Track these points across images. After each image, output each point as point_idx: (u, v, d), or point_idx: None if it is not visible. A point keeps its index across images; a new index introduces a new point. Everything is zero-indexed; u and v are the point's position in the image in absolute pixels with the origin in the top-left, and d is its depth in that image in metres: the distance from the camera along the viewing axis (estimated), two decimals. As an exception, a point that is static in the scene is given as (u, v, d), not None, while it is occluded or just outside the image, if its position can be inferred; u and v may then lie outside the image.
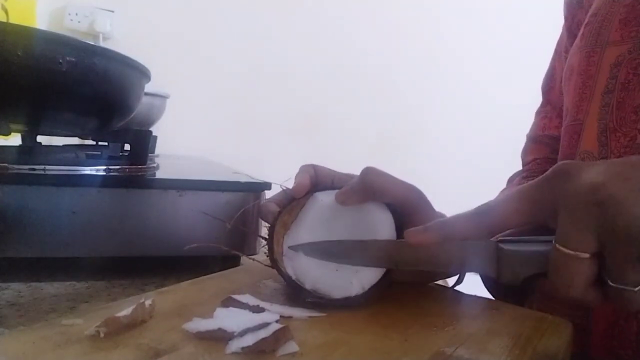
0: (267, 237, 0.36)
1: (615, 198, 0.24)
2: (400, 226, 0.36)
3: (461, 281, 0.39)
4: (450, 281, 0.40)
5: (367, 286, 0.34)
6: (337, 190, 0.37)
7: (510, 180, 0.61)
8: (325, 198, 0.37)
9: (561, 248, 0.26)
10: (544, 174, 0.28)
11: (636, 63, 0.39)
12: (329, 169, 0.41)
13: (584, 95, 0.44)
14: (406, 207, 0.36)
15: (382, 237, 0.36)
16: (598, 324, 0.40)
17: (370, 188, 0.35)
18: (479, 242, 0.31)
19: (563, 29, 0.56)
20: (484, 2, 1.90)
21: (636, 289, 0.24)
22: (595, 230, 0.24)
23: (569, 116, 0.46)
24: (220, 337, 0.26)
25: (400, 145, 1.82)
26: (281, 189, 0.39)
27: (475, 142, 1.85)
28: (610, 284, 0.25)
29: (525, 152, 0.61)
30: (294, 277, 0.35)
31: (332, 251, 0.35)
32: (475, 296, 0.38)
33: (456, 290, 0.39)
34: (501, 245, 0.31)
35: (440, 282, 0.42)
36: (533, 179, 0.56)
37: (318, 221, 0.37)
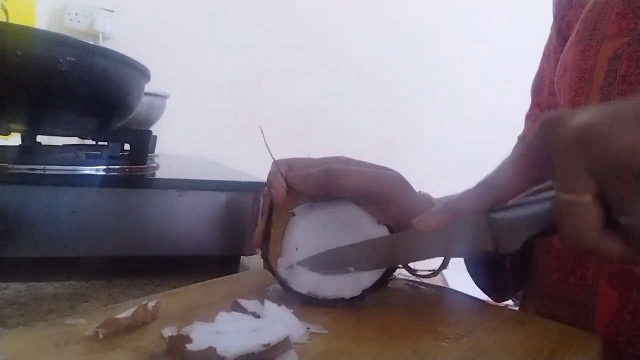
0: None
1: (602, 132, 0.23)
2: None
3: (446, 266, 0.38)
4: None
5: (364, 287, 0.34)
6: (317, 204, 0.36)
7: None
8: (307, 216, 0.36)
9: (562, 195, 0.25)
10: (534, 132, 0.28)
11: (637, 56, 0.38)
12: (305, 159, 0.39)
13: (581, 90, 0.43)
14: (374, 197, 0.35)
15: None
16: (601, 320, 0.39)
17: (329, 182, 0.34)
18: (471, 218, 0.30)
19: (552, 30, 0.55)
20: (484, 4, 1.90)
21: None
22: (590, 169, 0.24)
23: None
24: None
25: (400, 145, 1.82)
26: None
27: (475, 143, 1.84)
28: (621, 221, 0.24)
29: None
30: (290, 283, 0.34)
31: (330, 263, 0.34)
32: (496, 306, 0.36)
33: (475, 298, 0.37)
34: (493, 215, 0.30)
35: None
36: None
37: (309, 235, 0.36)
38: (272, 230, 0.35)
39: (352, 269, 0.34)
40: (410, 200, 0.37)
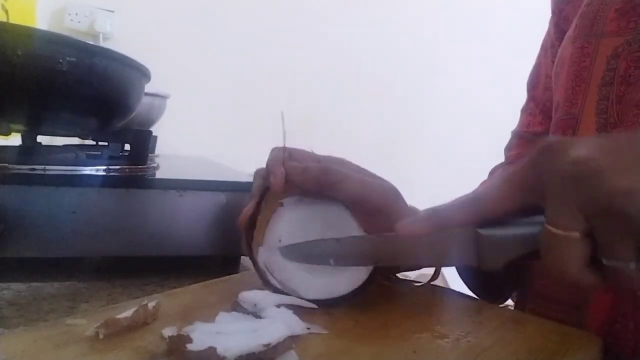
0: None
1: (597, 171, 0.23)
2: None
3: (437, 276, 0.38)
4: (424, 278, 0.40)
5: (348, 289, 0.34)
6: (307, 199, 0.36)
7: (491, 172, 0.60)
8: (294, 209, 0.36)
9: (551, 228, 0.25)
10: (530, 155, 0.27)
11: (636, 56, 0.38)
12: (307, 152, 0.38)
13: (578, 88, 0.42)
14: (367, 206, 0.35)
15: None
16: (593, 321, 0.39)
17: (327, 181, 0.34)
18: (457, 230, 0.30)
19: (550, 24, 0.55)
20: (484, 4, 1.90)
21: (631, 265, 0.24)
22: (581, 206, 0.24)
23: (560, 110, 0.45)
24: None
25: (400, 146, 1.82)
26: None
27: (476, 143, 1.85)
28: (604, 262, 0.24)
29: (508, 148, 0.60)
30: (274, 282, 0.34)
31: (311, 253, 0.34)
32: (495, 306, 0.36)
33: (475, 298, 0.37)
34: (479, 230, 0.29)
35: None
36: None
37: (293, 227, 0.36)
38: (259, 217, 0.35)
39: (332, 261, 0.33)
40: (400, 215, 0.37)
